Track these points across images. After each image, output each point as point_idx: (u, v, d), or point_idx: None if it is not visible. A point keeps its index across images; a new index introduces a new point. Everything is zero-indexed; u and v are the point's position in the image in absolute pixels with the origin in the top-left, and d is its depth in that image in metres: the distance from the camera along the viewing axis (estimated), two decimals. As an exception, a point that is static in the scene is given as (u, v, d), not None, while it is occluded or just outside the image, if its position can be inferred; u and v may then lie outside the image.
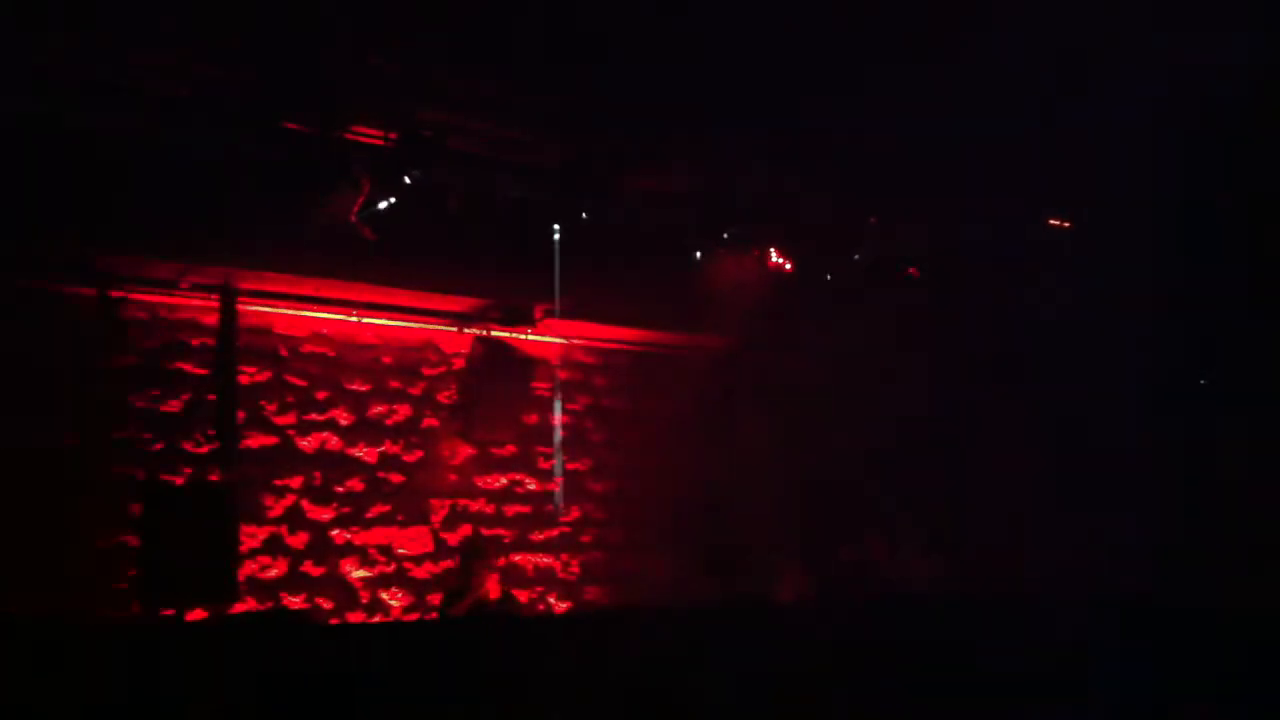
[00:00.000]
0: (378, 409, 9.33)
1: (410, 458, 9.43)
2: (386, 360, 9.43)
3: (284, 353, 8.94)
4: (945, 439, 10.57)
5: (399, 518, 9.29)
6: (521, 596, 9.75)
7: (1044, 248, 10.50)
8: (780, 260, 9.90)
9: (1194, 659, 6.72)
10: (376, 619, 8.98)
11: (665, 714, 6.14)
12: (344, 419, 9.16)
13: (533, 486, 10.10)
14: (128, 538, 7.83)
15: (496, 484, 9.90)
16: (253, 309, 8.72)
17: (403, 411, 9.46)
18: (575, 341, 10.44)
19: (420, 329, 9.61)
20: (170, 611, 7.49)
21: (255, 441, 8.70)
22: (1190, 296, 9.89)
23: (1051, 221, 10.83)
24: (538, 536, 10.07)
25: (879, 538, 9.77)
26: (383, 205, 8.06)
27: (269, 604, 8.47)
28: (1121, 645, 6.64)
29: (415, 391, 9.56)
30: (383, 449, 9.30)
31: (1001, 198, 9.73)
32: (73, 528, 7.65)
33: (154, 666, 5.77)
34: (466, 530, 9.59)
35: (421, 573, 9.34)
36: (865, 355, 10.04)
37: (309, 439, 8.97)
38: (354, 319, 9.23)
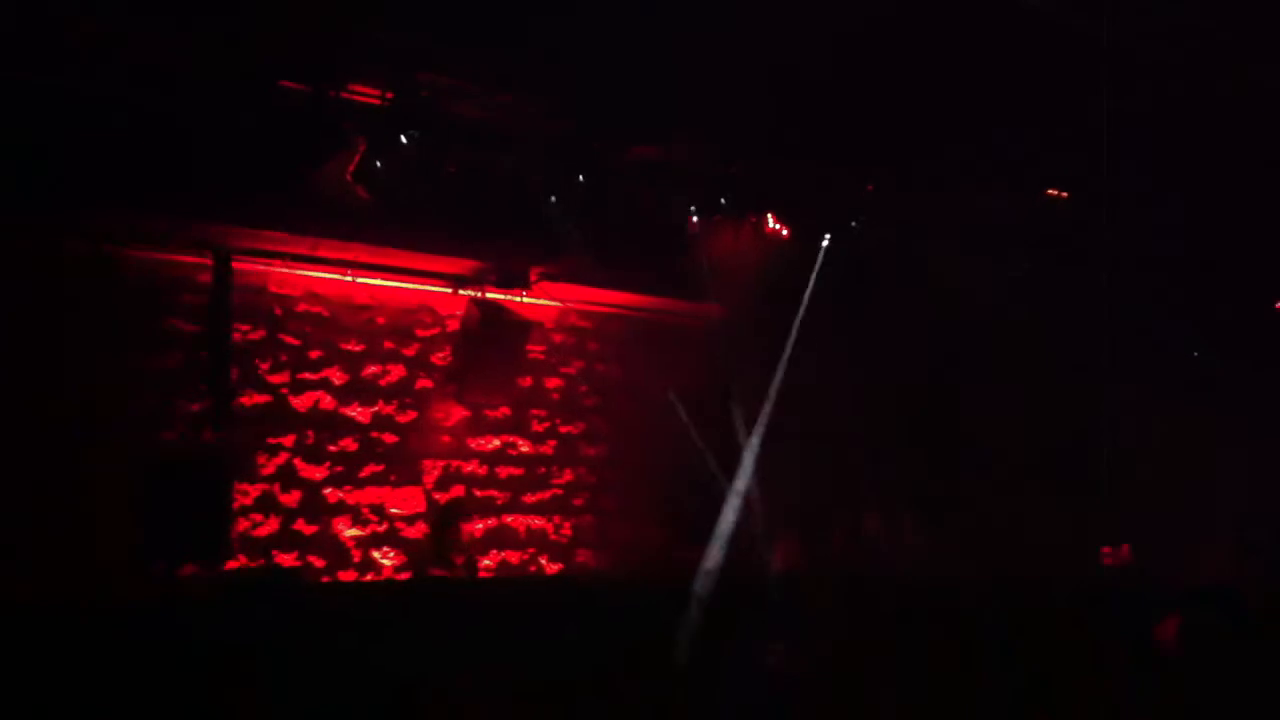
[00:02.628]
0: (371, 369, 9.34)
1: (403, 418, 9.45)
2: (380, 321, 9.43)
3: (278, 312, 8.93)
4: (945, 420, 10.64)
5: (391, 478, 9.33)
6: (513, 558, 9.83)
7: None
8: (777, 228, 9.86)
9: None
10: (368, 578, 9.04)
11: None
12: (337, 379, 9.17)
13: (525, 449, 10.15)
14: (122, 495, 7.86)
15: (489, 446, 9.94)
16: (247, 267, 8.70)
17: (396, 372, 9.47)
18: (570, 305, 10.45)
19: (415, 290, 9.60)
20: (163, 568, 7.54)
21: (248, 400, 8.72)
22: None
23: (1049, 191, 10.77)
24: (530, 499, 10.13)
25: (876, 516, 9.84)
26: (379, 165, 8.01)
27: (261, 562, 8.52)
28: None
29: (409, 353, 9.57)
30: (376, 409, 9.32)
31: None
32: (66, 487, 7.68)
33: (147, 624, 5.82)
34: (459, 491, 9.65)
35: (413, 532, 9.39)
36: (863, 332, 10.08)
37: (302, 398, 8.99)
38: (349, 279, 9.22)
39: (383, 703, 5.87)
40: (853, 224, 10.08)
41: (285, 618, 6.19)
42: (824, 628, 6.71)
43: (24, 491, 7.52)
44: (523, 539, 10.05)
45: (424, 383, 9.59)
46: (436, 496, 9.49)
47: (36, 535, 7.48)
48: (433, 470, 9.58)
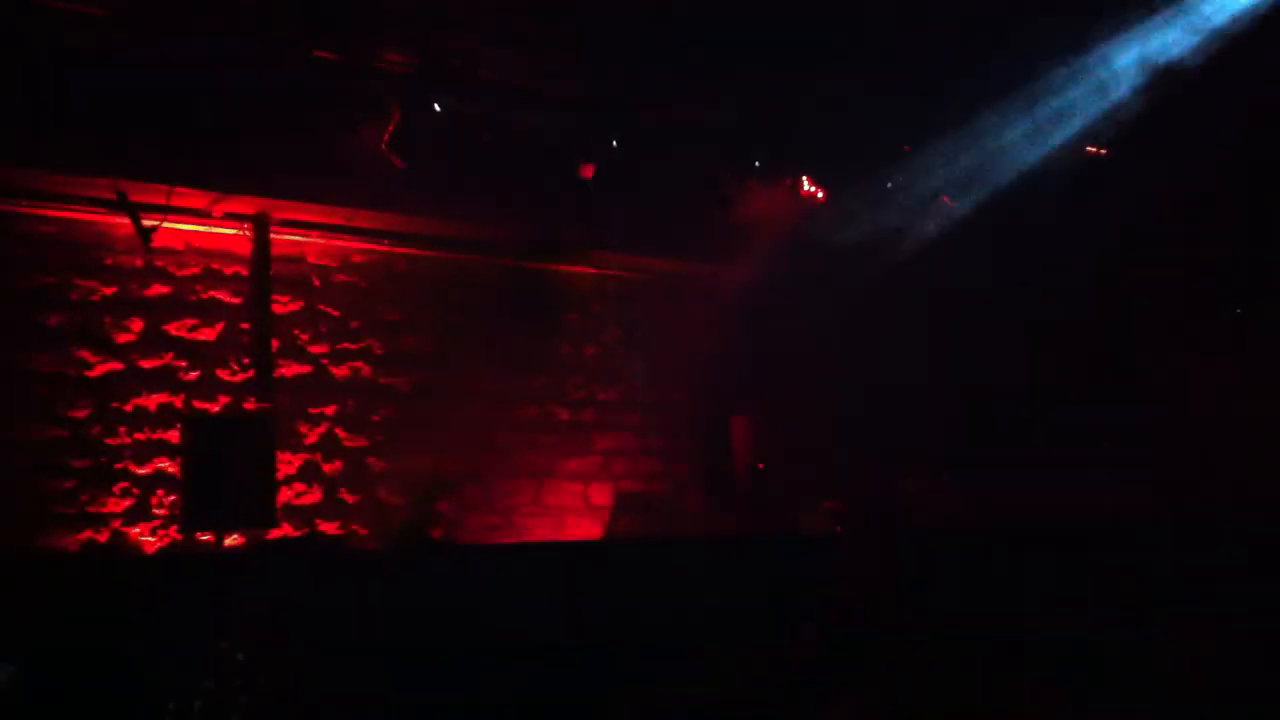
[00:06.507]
0: (410, 338, 9.37)
1: (442, 387, 9.47)
2: (418, 290, 9.45)
3: (317, 282, 8.98)
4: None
5: (432, 447, 9.36)
6: (549, 524, 9.87)
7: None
8: (812, 190, 9.79)
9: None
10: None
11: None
12: (377, 348, 9.21)
13: (564, 416, 10.16)
14: (167, 465, 7.97)
15: (528, 414, 9.96)
16: (285, 238, 8.76)
17: (434, 341, 9.49)
18: (608, 272, 10.43)
19: (452, 258, 9.61)
20: (209, 537, 7.64)
21: (290, 370, 8.79)
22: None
23: (1089, 149, 10.59)
24: (571, 465, 10.15)
25: (909, 471, 9.77)
26: (414, 134, 8.02)
27: (305, 530, 8.61)
28: None
29: (447, 321, 9.59)
30: (415, 378, 9.35)
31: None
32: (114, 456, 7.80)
33: (193, 591, 5.90)
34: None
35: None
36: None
37: (343, 368, 9.05)
38: (386, 249, 9.24)
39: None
40: (888, 185, 9.98)
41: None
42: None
43: (72, 457, 7.67)
44: (562, 506, 10.08)
45: (462, 352, 9.61)
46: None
47: (83, 501, 7.62)
48: (473, 439, 9.60)
